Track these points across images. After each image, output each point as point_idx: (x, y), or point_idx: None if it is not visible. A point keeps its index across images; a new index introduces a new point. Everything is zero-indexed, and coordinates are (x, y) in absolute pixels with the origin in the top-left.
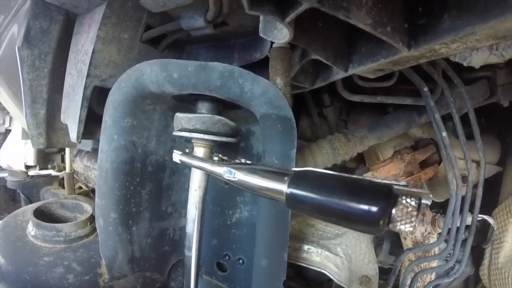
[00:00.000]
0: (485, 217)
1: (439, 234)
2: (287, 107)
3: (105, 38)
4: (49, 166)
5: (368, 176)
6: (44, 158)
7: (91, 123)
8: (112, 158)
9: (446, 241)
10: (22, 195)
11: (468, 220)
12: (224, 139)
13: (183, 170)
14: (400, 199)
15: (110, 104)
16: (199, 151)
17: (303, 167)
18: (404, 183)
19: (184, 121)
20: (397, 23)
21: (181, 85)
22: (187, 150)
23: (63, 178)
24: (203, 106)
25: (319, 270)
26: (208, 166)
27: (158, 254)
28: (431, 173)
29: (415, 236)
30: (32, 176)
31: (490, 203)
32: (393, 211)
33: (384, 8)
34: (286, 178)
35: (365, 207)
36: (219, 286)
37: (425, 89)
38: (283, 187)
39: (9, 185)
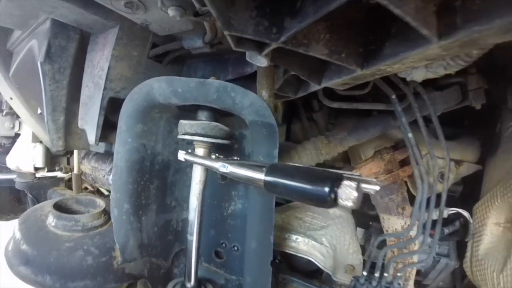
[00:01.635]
0: (460, 210)
1: (418, 227)
2: (271, 116)
3: (118, 56)
4: (56, 168)
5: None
6: (51, 160)
7: (105, 128)
8: (125, 158)
9: (431, 235)
10: (30, 195)
11: (445, 213)
12: (220, 141)
13: (185, 169)
14: (343, 182)
15: (124, 112)
16: (200, 151)
17: None
18: (358, 174)
19: (187, 127)
20: (351, 49)
21: (184, 98)
22: (189, 151)
23: (69, 180)
24: (202, 114)
25: (306, 257)
26: (207, 162)
27: (163, 242)
28: (409, 171)
29: (396, 229)
30: (39, 178)
31: (472, 199)
32: (338, 191)
33: (340, 39)
34: (264, 169)
35: (318, 188)
36: (216, 272)
37: (393, 96)
38: (261, 176)
39: (18, 186)
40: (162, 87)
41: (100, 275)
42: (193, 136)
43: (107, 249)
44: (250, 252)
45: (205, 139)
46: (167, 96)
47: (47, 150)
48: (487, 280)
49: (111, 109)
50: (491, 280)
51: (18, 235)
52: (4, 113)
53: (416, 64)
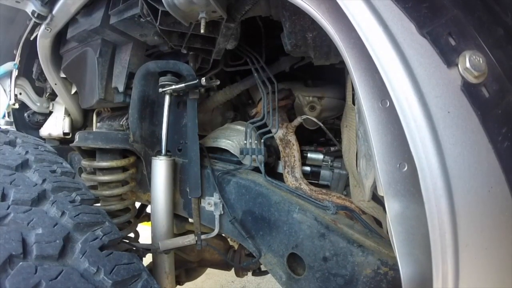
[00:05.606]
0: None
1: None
2: (192, 71)
3: (132, 54)
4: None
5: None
6: (74, 130)
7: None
8: (137, 95)
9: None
10: None
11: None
12: (175, 84)
13: (162, 105)
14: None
15: (136, 76)
16: (167, 86)
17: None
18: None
19: (161, 80)
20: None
21: (161, 68)
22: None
23: None
24: (169, 74)
25: (223, 147)
26: (172, 87)
27: (151, 140)
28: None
29: None
30: (63, 143)
31: None
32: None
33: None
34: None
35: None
36: (179, 160)
37: (248, 59)
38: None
39: None
40: (152, 65)
41: (125, 141)
42: (163, 83)
43: (127, 135)
44: (189, 144)
45: (168, 83)
46: (154, 68)
47: (72, 122)
48: (347, 163)
49: (129, 77)
50: (347, 162)
51: None
52: (46, 95)
53: None
